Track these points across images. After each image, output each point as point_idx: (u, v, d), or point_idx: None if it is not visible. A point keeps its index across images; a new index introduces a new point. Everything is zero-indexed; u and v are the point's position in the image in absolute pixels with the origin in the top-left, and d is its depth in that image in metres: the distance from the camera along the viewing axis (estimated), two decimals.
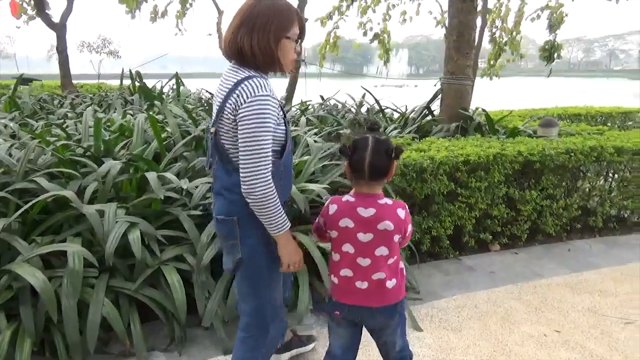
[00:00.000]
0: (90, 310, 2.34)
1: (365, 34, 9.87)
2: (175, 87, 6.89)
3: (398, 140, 4.34)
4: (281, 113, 1.72)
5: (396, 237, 1.74)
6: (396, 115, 6.09)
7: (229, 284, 2.67)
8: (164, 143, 3.75)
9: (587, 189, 4.34)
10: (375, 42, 9.94)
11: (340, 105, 6.24)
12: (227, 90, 1.64)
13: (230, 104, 1.62)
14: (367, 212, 1.70)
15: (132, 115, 4.84)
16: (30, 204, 2.53)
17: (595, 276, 3.52)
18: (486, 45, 9.24)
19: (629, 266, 3.69)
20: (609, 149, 4.06)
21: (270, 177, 1.61)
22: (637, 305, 3.09)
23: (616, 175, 4.43)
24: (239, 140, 1.60)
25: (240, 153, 1.61)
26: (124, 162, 3.06)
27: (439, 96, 5.18)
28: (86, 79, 15.96)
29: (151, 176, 2.80)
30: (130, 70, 6.97)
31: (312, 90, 9.55)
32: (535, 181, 3.96)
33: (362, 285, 1.76)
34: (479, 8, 8.56)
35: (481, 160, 3.62)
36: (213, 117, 1.72)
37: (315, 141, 4.18)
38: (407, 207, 1.78)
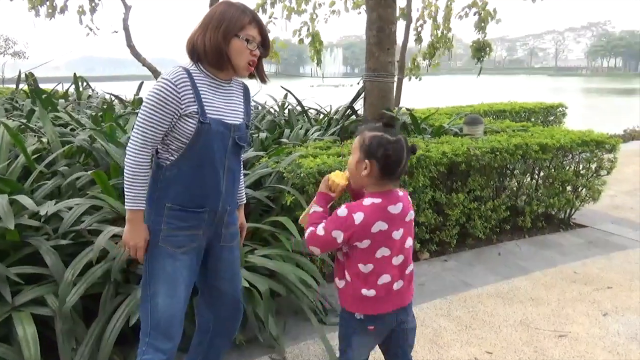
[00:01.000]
0: None
1: (301, 41, 9.45)
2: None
3: (319, 143, 3.98)
4: (194, 109, 1.65)
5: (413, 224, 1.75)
6: (322, 116, 5.75)
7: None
8: (39, 156, 3.16)
9: (514, 188, 4.19)
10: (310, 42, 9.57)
11: (259, 107, 5.79)
12: None
13: None
14: (396, 209, 1.65)
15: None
16: None
17: (526, 283, 3.32)
18: (412, 44, 9.13)
19: (558, 268, 3.54)
20: (534, 147, 3.91)
21: (142, 150, 1.65)
22: (568, 313, 2.90)
23: (542, 173, 4.31)
24: (137, 118, 1.66)
25: None
26: None
27: (362, 95, 4.88)
28: None
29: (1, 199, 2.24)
30: (25, 73, 6.16)
31: None
32: (462, 183, 3.73)
33: (399, 285, 1.70)
34: (404, 5, 8.46)
35: None
36: None
37: None
38: None
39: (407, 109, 4.98)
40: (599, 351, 2.53)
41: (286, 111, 5.67)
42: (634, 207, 5.05)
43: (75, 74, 7.00)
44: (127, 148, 1.67)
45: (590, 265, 3.60)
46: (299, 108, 5.66)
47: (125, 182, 1.67)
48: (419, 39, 9.33)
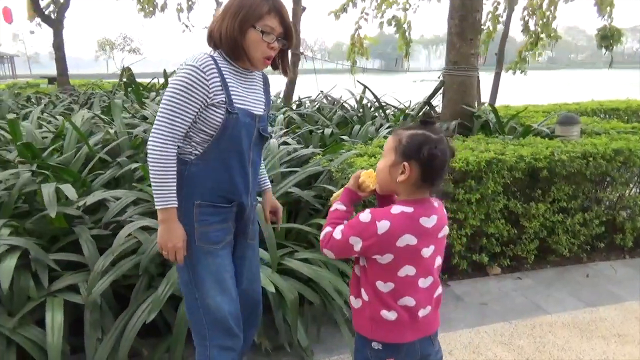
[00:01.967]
0: None
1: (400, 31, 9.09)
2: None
3: (382, 141, 3.72)
4: (222, 98, 1.56)
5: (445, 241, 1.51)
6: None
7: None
8: (109, 146, 3.31)
9: (613, 200, 3.58)
10: (419, 37, 9.20)
11: (335, 102, 5.63)
12: None
13: None
14: (430, 222, 1.40)
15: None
16: None
17: (615, 314, 2.79)
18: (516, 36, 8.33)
19: None
20: (638, 153, 3.29)
21: (166, 142, 1.51)
22: None
23: None
24: (160, 106, 1.55)
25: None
26: (31, 170, 2.61)
27: (441, 90, 4.51)
28: (113, 78, 16.11)
29: (46, 189, 2.34)
30: (123, 68, 6.64)
31: (332, 86, 8.92)
32: (543, 192, 3.25)
33: (426, 311, 1.46)
34: None
35: (470, 167, 2.96)
36: None
37: (286, 143, 3.64)
38: None
39: (490, 105, 4.49)
40: None
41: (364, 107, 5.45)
42: None
43: (165, 70, 7.43)
44: (151, 142, 1.52)
45: None
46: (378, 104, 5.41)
47: (153, 180, 1.53)
48: (526, 29, 8.51)
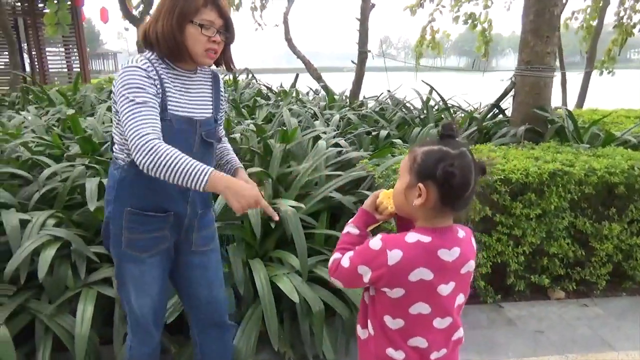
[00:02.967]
0: None
1: (473, 27, 8.66)
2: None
3: None
4: (158, 98, 1.47)
5: (471, 277, 1.31)
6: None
7: None
8: None
9: None
10: (510, 33, 8.73)
11: (398, 102, 5.42)
12: None
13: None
14: (451, 255, 1.22)
15: None
16: None
17: None
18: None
19: None
20: None
21: (149, 141, 1.36)
22: None
23: None
24: (120, 114, 1.44)
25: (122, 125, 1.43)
26: (84, 164, 2.74)
27: (512, 92, 4.16)
28: None
29: (90, 183, 2.43)
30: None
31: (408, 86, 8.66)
32: (619, 211, 2.86)
33: (439, 354, 1.28)
34: None
35: (530, 179, 2.67)
36: None
37: (338, 144, 3.54)
38: None
39: (566, 109, 4.07)
40: None
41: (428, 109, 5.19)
42: None
43: (247, 68, 7.62)
44: (134, 150, 1.37)
45: None
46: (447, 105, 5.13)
47: (170, 178, 1.36)
48: (619, 25, 7.69)
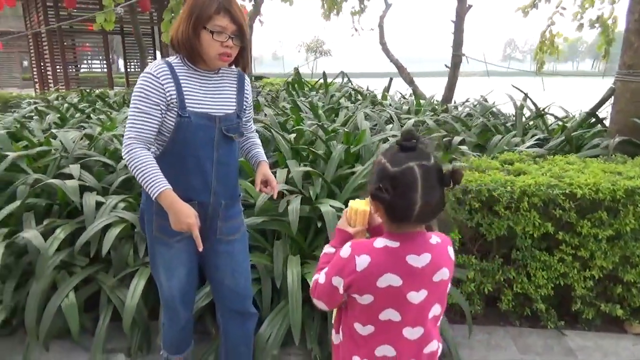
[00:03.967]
0: (51, 301, 2.36)
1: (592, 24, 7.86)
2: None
3: (511, 155, 3.26)
4: (175, 102, 1.63)
5: (448, 287, 1.27)
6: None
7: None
8: None
9: None
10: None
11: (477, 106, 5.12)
12: None
13: None
14: (421, 261, 1.19)
15: None
16: None
17: None
18: None
19: None
20: None
21: (130, 144, 1.61)
22: None
23: None
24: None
25: None
26: None
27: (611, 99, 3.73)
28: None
29: None
30: (296, 67, 7.21)
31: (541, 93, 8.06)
32: None
33: None
34: None
35: (601, 195, 2.39)
36: None
37: None
38: None
39: None
40: None
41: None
42: None
43: (342, 71, 7.75)
44: (123, 146, 1.63)
45: None
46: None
47: (136, 177, 1.61)
48: None
